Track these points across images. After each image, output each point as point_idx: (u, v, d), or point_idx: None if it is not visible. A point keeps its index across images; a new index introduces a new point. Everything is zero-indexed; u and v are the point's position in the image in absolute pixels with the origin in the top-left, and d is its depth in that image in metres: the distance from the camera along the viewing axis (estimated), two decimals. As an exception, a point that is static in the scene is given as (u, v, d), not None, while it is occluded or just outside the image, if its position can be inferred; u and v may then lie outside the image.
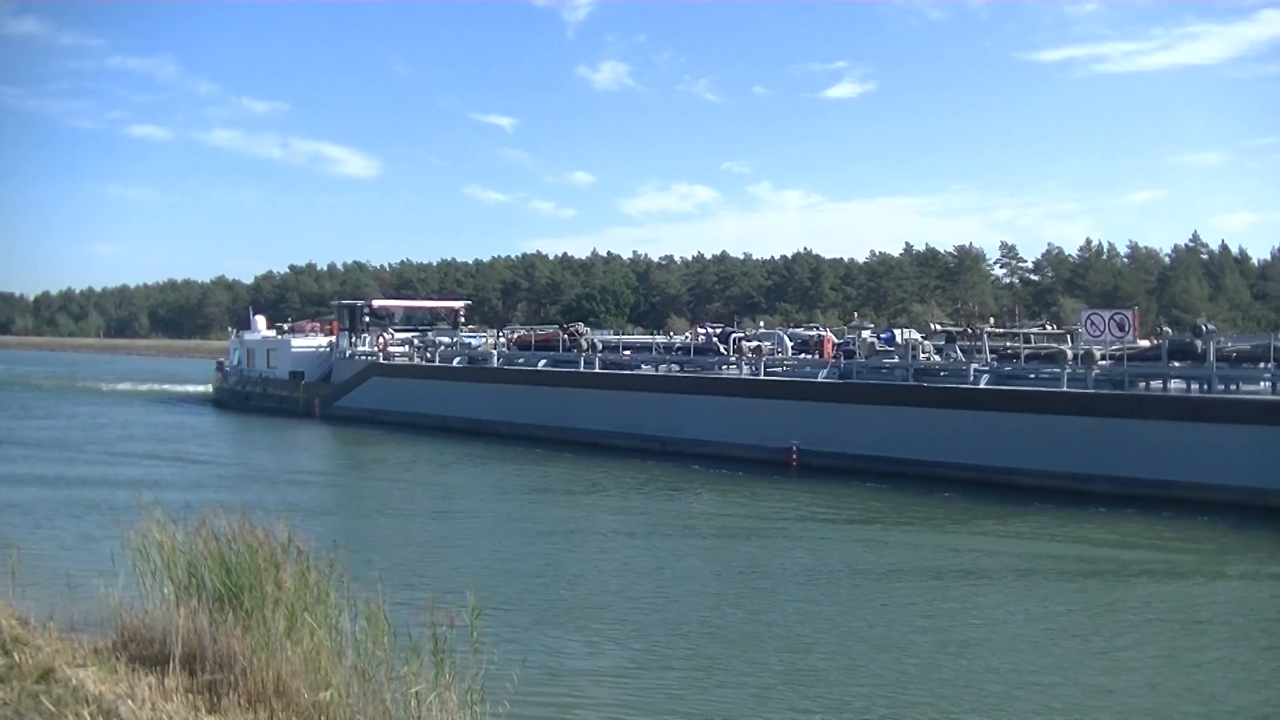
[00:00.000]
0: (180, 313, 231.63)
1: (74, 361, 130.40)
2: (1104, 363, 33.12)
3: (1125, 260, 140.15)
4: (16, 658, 11.47)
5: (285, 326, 75.59)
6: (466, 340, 59.01)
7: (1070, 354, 33.92)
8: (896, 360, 37.45)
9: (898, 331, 41.70)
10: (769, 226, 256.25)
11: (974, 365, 34.86)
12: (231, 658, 10.82)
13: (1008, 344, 40.01)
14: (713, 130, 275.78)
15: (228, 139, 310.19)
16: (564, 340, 50.19)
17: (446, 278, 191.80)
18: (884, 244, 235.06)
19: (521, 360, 50.16)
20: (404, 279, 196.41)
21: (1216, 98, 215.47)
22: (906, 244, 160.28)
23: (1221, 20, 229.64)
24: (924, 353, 37.51)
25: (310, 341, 65.70)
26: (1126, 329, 34.20)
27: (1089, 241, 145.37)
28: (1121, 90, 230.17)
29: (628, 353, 48.61)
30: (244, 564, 11.44)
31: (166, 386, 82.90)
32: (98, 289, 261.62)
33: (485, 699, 9.89)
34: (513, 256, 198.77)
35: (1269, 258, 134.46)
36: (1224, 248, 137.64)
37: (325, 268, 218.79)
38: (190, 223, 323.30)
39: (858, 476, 33.30)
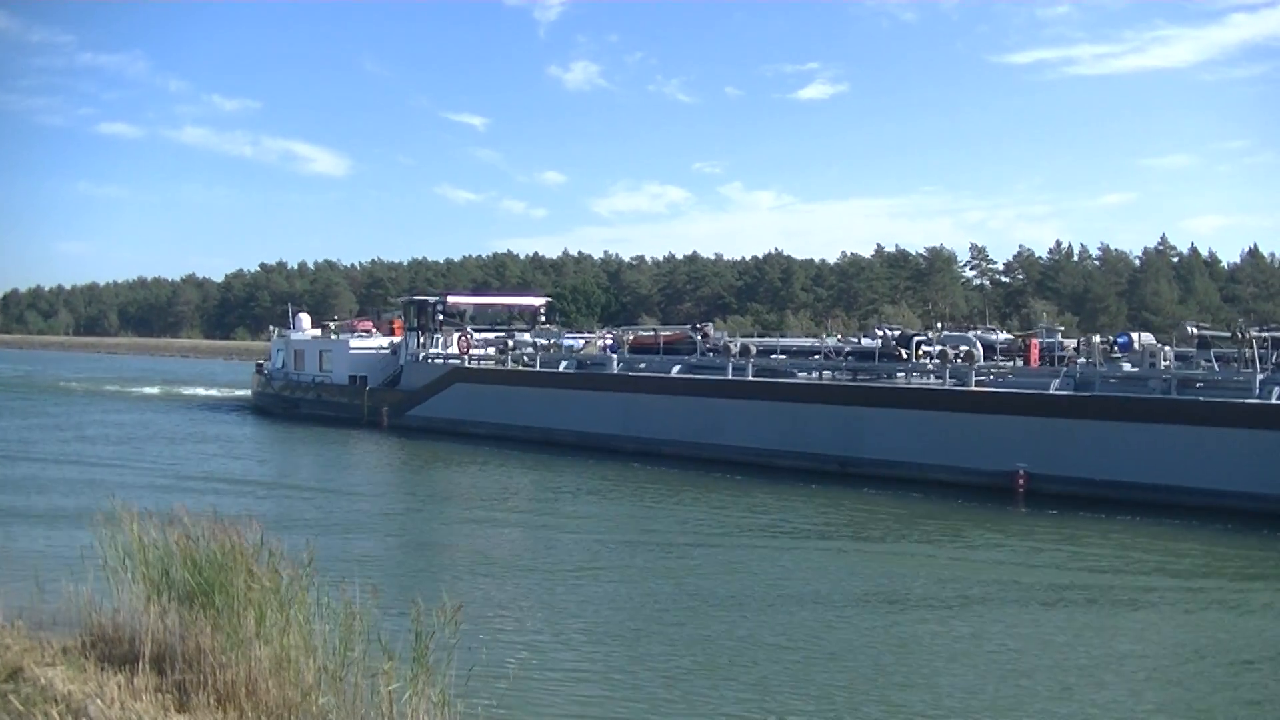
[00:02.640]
0: (150, 311, 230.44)
1: (60, 361, 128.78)
2: None
3: (1096, 262, 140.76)
4: (-16, 657, 11.38)
5: (332, 325, 69.36)
6: (563, 342, 51.76)
7: None
8: (1158, 368, 31.21)
9: (1134, 335, 35.65)
10: (740, 227, 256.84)
11: (1259, 375, 28.95)
12: (201, 656, 10.77)
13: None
14: (684, 130, 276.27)
15: (198, 137, 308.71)
16: (699, 343, 43.58)
17: (417, 277, 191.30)
18: (855, 245, 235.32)
19: (644, 365, 43.43)
20: (375, 278, 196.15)
21: (1186, 101, 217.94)
22: (877, 245, 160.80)
23: (1192, 24, 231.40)
24: (1164, 360, 31.64)
25: (369, 342, 58.69)
26: None
27: (1059, 243, 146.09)
28: (1092, 93, 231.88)
29: (781, 357, 42.14)
30: (215, 562, 11.35)
31: (199, 391, 76.45)
32: (67, 287, 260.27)
33: (464, 697, 9.84)
34: (484, 256, 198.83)
35: (1238, 260, 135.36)
36: (1194, 250, 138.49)
37: (296, 266, 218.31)
38: (160, 220, 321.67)
39: (1108, 507, 27.78)
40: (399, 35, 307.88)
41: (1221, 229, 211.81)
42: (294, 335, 64.08)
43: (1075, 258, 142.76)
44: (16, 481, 31.67)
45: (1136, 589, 20.18)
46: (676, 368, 41.52)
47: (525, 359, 48.62)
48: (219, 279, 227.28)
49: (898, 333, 42.06)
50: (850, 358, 39.36)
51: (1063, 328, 45.82)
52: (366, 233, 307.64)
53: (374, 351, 57.01)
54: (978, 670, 15.03)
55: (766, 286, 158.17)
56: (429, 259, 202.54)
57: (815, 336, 56.11)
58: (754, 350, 40.63)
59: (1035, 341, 38.00)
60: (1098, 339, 35.75)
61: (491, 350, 51.18)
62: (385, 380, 54.28)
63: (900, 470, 32.84)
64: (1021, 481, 30.41)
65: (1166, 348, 32.85)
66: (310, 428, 51.44)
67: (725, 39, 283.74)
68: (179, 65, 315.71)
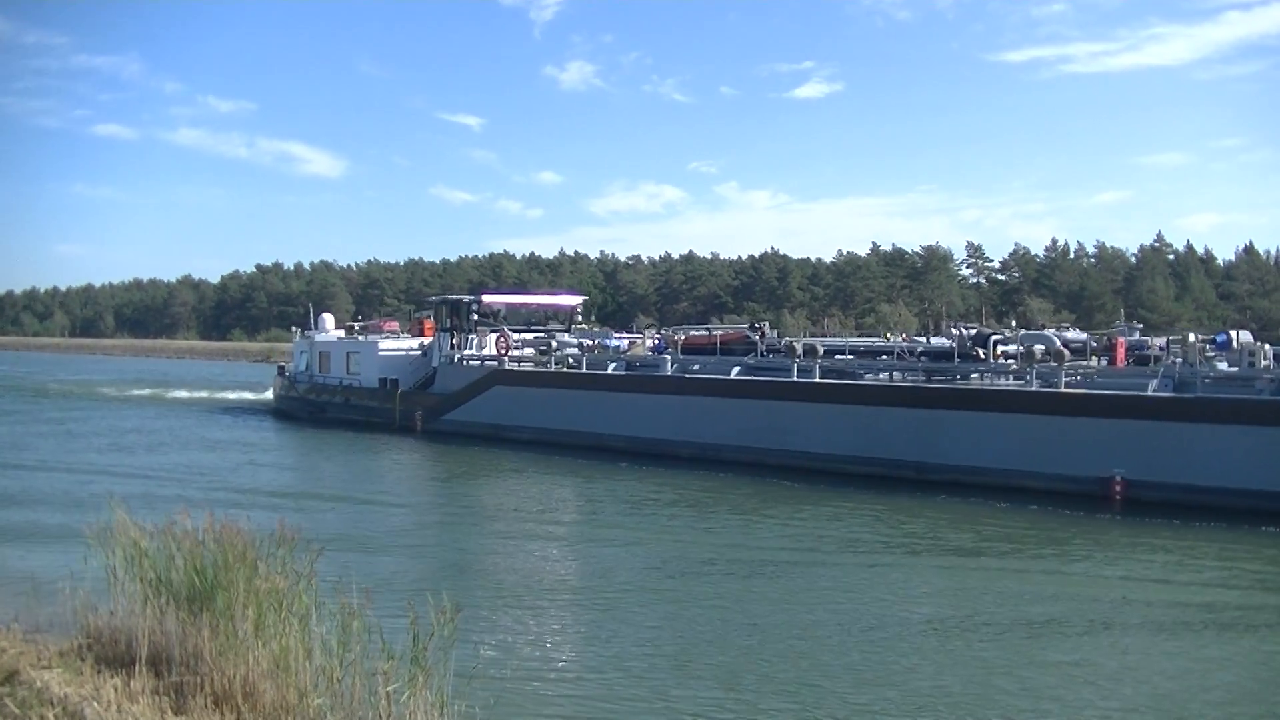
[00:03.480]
0: (146, 312, 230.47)
1: (61, 364, 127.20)
2: None
3: (1091, 260, 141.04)
4: (-21, 660, 11.33)
5: (356, 326, 67.36)
6: (607, 343, 49.60)
7: None
8: (1257, 367, 29.24)
9: (1233, 334, 33.82)
10: (736, 226, 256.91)
11: None
12: (199, 658, 10.71)
13: None
14: (680, 130, 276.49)
15: (193, 138, 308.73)
16: (758, 343, 41.53)
17: (414, 278, 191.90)
18: (851, 244, 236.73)
19: (697, 366, 41.14)
20: (371, 278, 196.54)
21: (1182, 99, 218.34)
22: (873, 244, 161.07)
23: (1186, 22, 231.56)
24: (1264, 358, 29.64)
25: (399, 344, 56.11)
26: None
27: (1055, 241, 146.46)
28: (1087, 91, 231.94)
29: (849, 357, 39.88)
30: (214, 564, 11.29)
31: (221, 394, 73.01)
32: (62, 288, 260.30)
33: (461, 699, 9.80)
34: (480, 256, 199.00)
35: (1233, 258, 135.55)
36: (1189, 248, 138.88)
37: (292, 267, 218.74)
38: (155, 222, 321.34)
39: (1212, 514, 26.03)
40: (394, 36, 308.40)
41: (1217, 226, 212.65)
42: (318, 336, 61.51)
43: (1071, 256, 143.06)
44: (21, 493, 29.91)
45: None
46: (736, 369, 39.43)
47: (570, 360, 46.40)
48: (215, 280, 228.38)
49: (973, 331, 39.36)
50: (924, 358, 37.35)
51: (1141, 325, 43.05)
52: (362, 233, 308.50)
53: (404, 353, 54.78)
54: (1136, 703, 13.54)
55: (763, 286, 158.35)
56: (425, 259, 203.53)
57: (878, 336, 53.83)
58: (821, 350, 38.35)
59: (1121, 340, 35.92)
60: (1194, 337, 33.06)
61: (529, 351, 49.42)
62: (417, 383, 52.21)
63: (983, 476, 30.95)
64: (1119, 488, 28.74)
65: (1267, 346, 31.01)
66: (339, 433, 49.60)
67: (720, 38, 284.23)
68: (174, 67, 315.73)
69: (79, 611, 12.67)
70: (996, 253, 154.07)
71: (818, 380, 36.44)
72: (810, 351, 37.74)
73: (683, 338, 45.71)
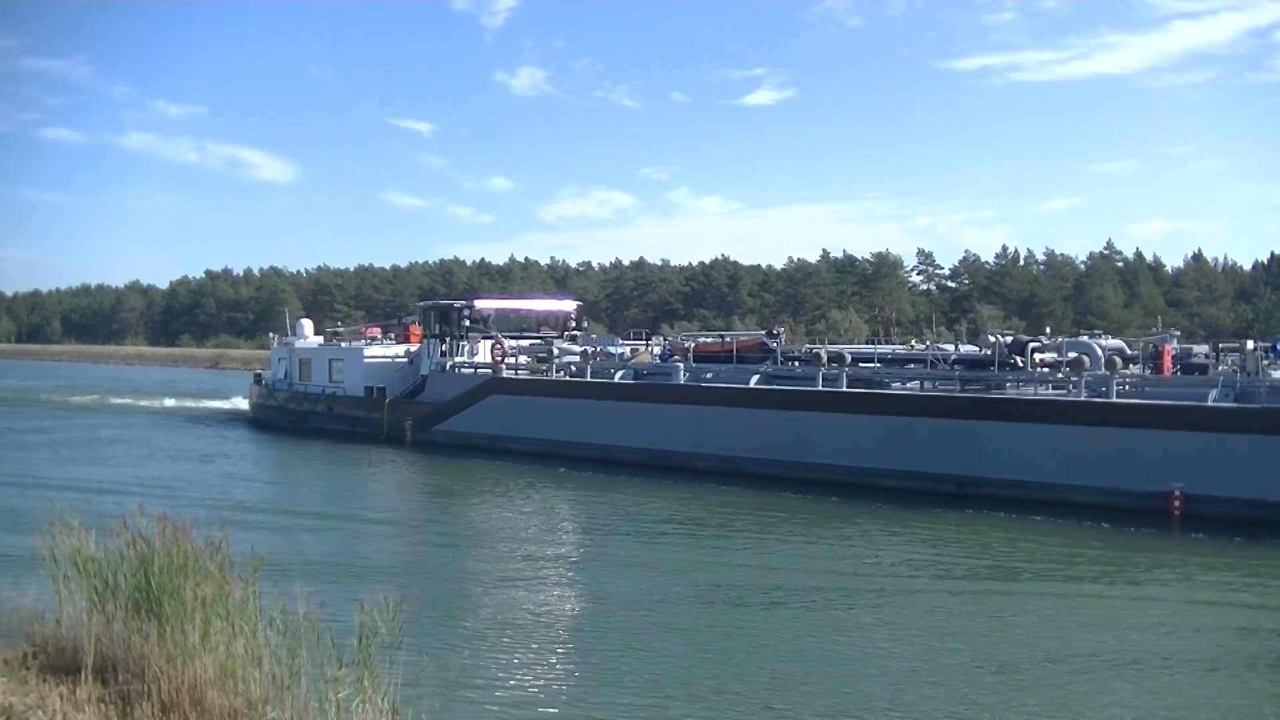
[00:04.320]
0: (93, 318, 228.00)
1: (11, 370, 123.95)
2: None
3: (1041, 267, 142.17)
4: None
5: (335, 332, 63.65)
6: (610, 350, 47.90)
7: None
8: None
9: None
10: (687, 233, 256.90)
11: None
12: (145, 666, 10.62)
13: None
14: (631, 137, 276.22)
15: (143, 142, 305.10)
16: (775, 350, 39.75)
17: (364, 283, 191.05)
18: (802, 251, 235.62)
19: (710, 375, 39.12)
20: (321, 284, 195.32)
21: (1131, 107, 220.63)
22: (824, 251, 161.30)
23: (1136, 31, 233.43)
24: None
25: (385, 350, 54.32)
26: None
27: (1005, 248, 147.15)
28: (1038, 99, 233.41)
29: (874, 365, 37.77)
30: (161, 569, 11.19)
31: (194, 404, 70.09)
32: (8, 294, 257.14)
33: (408, 706, 9.77)
34: (430, 262, 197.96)
35: (1182, 265, 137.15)
36: (1138, 255, 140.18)
37: (241, 273, 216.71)
38: (104, 227, 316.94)
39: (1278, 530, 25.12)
40: (345, 41, 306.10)
41: (1166, 234, 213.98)
42: (298, 343, 59.31)
43: (1021, 262, 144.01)
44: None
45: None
46: (755, 378, 37.41)
47: (573, 368, 44.53)
48: (164, 286, 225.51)
49: (1009, 339, 37.48)
50: (958, 366, 35.26)
51: (1178, 332, 41.60)
52: (313, 239, 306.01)
53: (390, 360, 52.88)
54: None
55: (713, 292, 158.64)
56: (375, 265, 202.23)
57: (904, 343, 51.33)
58: (849, 358, 36.48)
59: (1168, 349, 33.94)
60: (1252, 345, 31.96)
61: (523, 359, 47.20)
62: (405, 392, 50.34)
63: (1029, 491, 29.36)
64: (1178, 503, 27.29)
65: None
66: (323, 444, 47.81)
67: (672, 45, 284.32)
68: (123, 70, 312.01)
69: (24, 619, 12.55)
70: (947, 259, 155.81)
71: (845, 389, 34.74)
72: (838, 359, 36.11)
73: (693, 344, 43.83)
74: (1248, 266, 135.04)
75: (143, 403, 70.62)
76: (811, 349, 39.64)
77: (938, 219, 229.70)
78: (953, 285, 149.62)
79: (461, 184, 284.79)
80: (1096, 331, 46.98)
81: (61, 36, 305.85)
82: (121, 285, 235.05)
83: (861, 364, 37.28)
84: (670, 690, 14.30)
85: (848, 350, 38.85)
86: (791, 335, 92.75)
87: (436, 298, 67.68)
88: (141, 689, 10.35)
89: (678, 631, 17.22)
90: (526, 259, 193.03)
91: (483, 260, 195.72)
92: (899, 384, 35.00)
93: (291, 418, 54.93)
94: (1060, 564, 22.74)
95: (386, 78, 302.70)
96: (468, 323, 50.45)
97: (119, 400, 72.60)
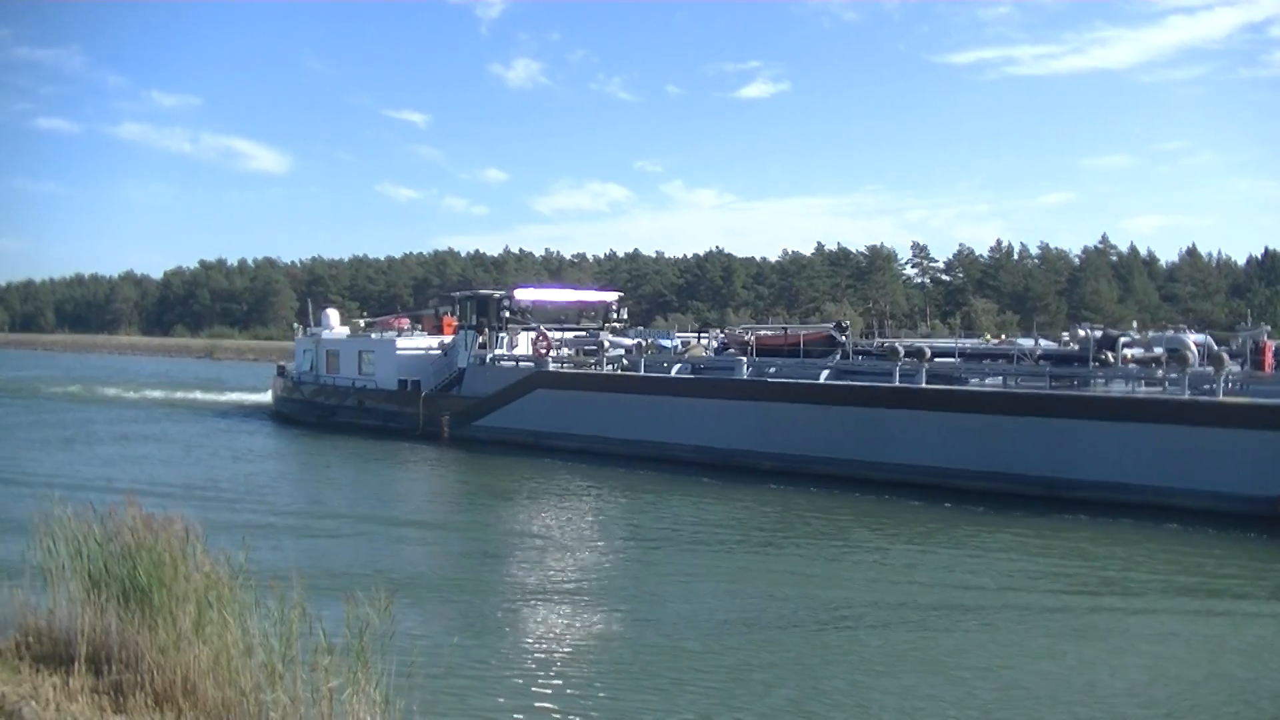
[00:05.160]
0: (87, 308, 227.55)
1: (9, 360, 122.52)
2: None
3: (1036, 261, 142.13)
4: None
5: (362, 323, 61.57)
6: (662, 342, 45.69)
7: None
8: None
9: None
10: (682, 225, 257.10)
11: None
12: (139, 656, 10.64)
13: None
14: (626, 129, 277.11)
15: (137, 133, 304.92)
16: (843, 344, 37.84)
17: (358, 274, 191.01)
18: (796, 243, 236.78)
19: (773, 370, 37.23)
20: (315, 275, 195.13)
21: (1126, 101, 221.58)
22: (819, 244, 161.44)
23: (1131, 26, 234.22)
24: None
25: (418, 341, 52.16)
26: None
27: (1000, 242, 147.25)
28: (1033, 93, 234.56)
29: (953, 360, 35.56)
30: (155, 560, 11.21)
31: (211, 397, 67.36)
32: (2, 284, 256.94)
33: (403, 696, 9.78)
34: (425, 253, 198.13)
35: (1176, 260, 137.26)
36: (1133, 250, 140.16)
37: (235, 264, 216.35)
38: (98, 217, 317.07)
39: None
40: (340, 32, 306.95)
41: (1160, 229, 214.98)
42: (325, 334, 56.81)
43: (1015, 257, 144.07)
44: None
45: None
46: (825, 372, 35.47)
47: (624, 362, 42.60)
48: (158, 276, 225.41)
49: (1099, 333, 34.86)
50: (1045, 362, 33.20)
51: (1269, 326, 37.86)
52: (307, 230, 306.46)
53: (424, 352, 50.65)
54: None
55: (707, 285, 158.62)
56: (370, 256, 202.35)
57: (979, 338, 48.93)
58: (928, 353, 34.32)
59: (1269, 344, 32.32)
60: None
61: (566, 351, 45.33)
62: (440, 385, 48.15)
63: (1127, 494, 27.87)
64: None
65: None
66: (354, 439, 45.78)
67: (667, 37, 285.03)
68: (117, 60, 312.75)
69: (17, 610, 12.54)
70: (941, 253, 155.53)
71: (925, 385, 32.85)
72: (918, 354, 34.11)
73: (752, 337, 41.40)
74: (1242, 261, 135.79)
75: (164, 394, 68.69)
76: (887, 343, 37.98)
77: (932, 212, 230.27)
78: (947, 279, 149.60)
79: (456, 175, 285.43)
80: (1182, 326, 44.45)
81: (56, 26, 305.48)
82: (115, 275, 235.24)
83: (939, 358, 35.20)
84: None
85: (926, 344, 37.06)
86: (785, 322, 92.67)
87: (474, 287, 64.19)
88: (134, 679, 10.37)
89: (742, 651, 15.73)
90: (521, 250, 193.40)
91: (477, 252, 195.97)
92: (976, 380, 33.45)
93: (319, 412, 53.03)
94: (1192, 575, 21.08)
95: (381, 69, 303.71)
96: (507, 314, 48.19)
97: (138, 394, 69.63)
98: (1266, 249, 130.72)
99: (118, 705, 10.09)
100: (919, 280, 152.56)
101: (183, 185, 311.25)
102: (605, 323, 51.11)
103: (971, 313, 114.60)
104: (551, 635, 16.67)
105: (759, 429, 35.65)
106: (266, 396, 61.38)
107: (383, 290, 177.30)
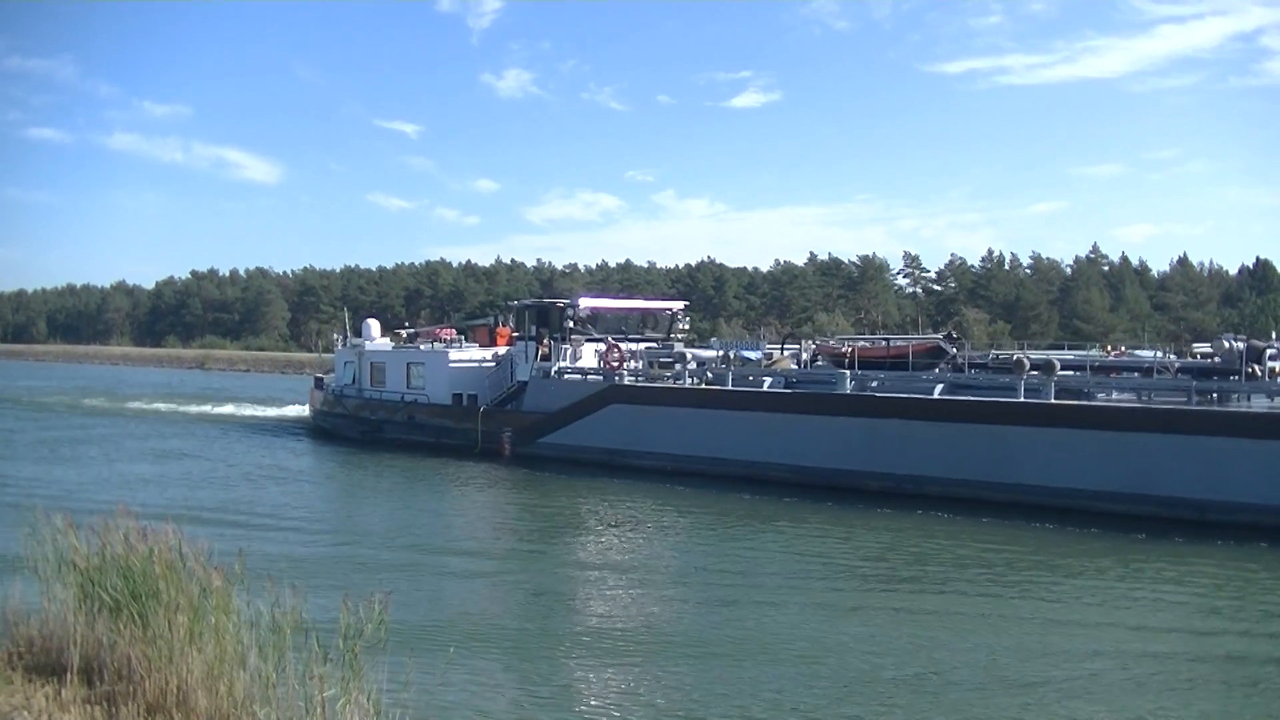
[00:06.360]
0: (79, 318, 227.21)
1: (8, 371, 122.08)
2: None
3: (1027, 271, 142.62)
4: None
5: (404, 334, 56.91)
6: (745, 354, 42.17)
7: None
8: None
9: None
10: (673, 235, 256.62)
11: None
12: (131, 666, 10.63)
13: None
14: (617, 139, 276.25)
15: (128, 142, 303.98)
16: (955, 356, 35.98)
17: (350, 285, 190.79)
18: (788, 253, 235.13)
19: (875, 383, 34.61)
20: (307, 285, 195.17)
21: (1116, 111, 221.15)
22: (810, 253, 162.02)
23: (1122, 35, 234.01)
24: None
25: (472, 354, 48.88)
26: None
27: (991, 252, 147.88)
28: (1024, 102, 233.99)
29: (1069, 373, 32.67)
30: (147, 569, 11.19)
31: (257, 411, 63.85)
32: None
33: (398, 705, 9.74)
34: (416, 264, 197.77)
35: (1168, 269, 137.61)
36: (1124, 259, 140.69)
37: (227, 274, 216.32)
38: (90, 227, 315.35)
39: None
40: (331, 42, 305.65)
41: (1152, 238, 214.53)
42: (368, 345, 53.87)
43: (1007, 266, 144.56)
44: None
45: None
46: (940, 387, 32.97)
47: (708, 375, 39.80)
48: (149, 286, 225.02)
49: (1243, 345, 31.82)
50: (1184, 375, 31.23)
51: None
52: (298, 240, 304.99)
53: (478, 365, 47.69)
54: None
55: (699, 295, 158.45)
56: (361, 267, 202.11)
57: (1105, 349, 46.52)
58: (1057, 366, 31.68)
59: None
60: None
61: (634, 364, 42.08)
62: (498, 399, 45.11)
63: None
64: None
65: None
66: (406, 457, 42.62)
67: (658, 47, 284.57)
68: (108, 70, 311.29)
69: (9, 620, 12.52)
70: (933, 262, 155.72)
71: (1054, 401, 30.37)
72: (1047, 367, 31.39)
73: (850, 348, 38.42)
74: (1233, 271, 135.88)
75: (189, 408, 65.69)
76: (1011, 355, 35.04)
77: (923, 222, 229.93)
78: (938, 288, 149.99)
79: (447, 185, 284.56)
80: None
81: (47, 36, 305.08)
82: (107, 285, 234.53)
83: (1064, 371, 32.48)
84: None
85: (1055, 356, 34.80)
86: (778, 336, 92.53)
87: (536, 296, 61.11)
88: (127, 690, 10.36)
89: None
90: (513, 261, 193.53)
91: (469, 262, 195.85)
92: (1103, 395, 31.33)
93: (364, 427, 49.84)
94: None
95: (372, 79, 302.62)
96: (571, 324, 45.01)
97: (167, 406, 67.19)
98: (1258, 258, 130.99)
99: (110, 715, 10.08)
100: (911, 290, 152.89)
101: (174, 195, 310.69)
102: (669, 333, 48.41)
103: (963, 322, 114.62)
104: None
105: (865, 447, 33.02)
106: (304, 410, 59.02)
107: (374, 301, 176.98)
